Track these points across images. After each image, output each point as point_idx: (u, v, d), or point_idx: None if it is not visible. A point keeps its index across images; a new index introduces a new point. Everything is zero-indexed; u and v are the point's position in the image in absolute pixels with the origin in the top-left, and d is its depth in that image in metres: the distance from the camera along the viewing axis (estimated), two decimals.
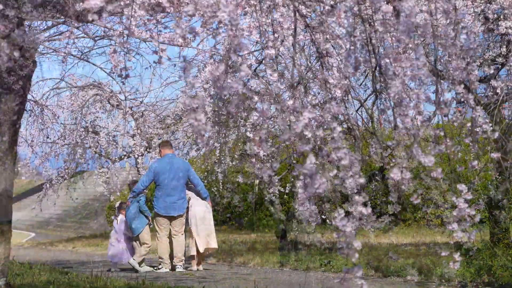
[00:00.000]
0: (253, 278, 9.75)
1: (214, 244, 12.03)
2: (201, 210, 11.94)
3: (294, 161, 15.63)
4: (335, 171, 3.16)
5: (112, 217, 13.13)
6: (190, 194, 12.01)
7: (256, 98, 3.25)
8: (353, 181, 3.23)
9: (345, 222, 3.26)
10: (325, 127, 3.31)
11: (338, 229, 3.27)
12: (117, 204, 13.42)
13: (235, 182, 23.38)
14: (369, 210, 3.38)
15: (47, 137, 17.35)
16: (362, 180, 3.25)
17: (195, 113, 2.85)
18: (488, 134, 4.05)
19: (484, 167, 11.59)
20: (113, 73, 5.20)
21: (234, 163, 15.49)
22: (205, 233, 11.89)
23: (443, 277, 9.28)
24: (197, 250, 11.90)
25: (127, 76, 4.59)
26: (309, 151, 3.02)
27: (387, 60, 3.70)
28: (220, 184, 16.50)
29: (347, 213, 3.32)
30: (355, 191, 3.35)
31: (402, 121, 3.69)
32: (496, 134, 4.03)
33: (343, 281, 3.34)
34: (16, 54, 3.45)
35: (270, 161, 14.24)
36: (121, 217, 12.66)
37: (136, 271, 11.79)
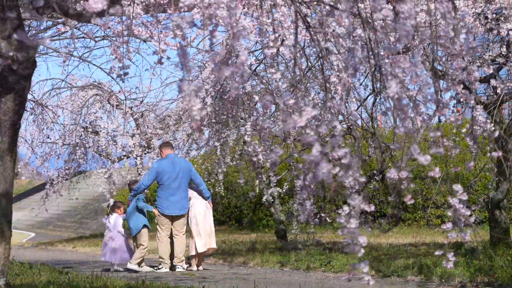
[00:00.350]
0: (253, 278, 9.75)
1: (213, 244, 12.04)
2: (201, 210, 11.95)
3: (293, 161, 15.63)
4: (337, 168, 3.17)
5: (105, 216, 13.05)
6: (190, 193, 12.02)
7: (256, 98, 3.26)
8: (352, 181, 3.24)
9: (349, 218, 3.27)
10: (325, 126, 3.31)
11: (342, 226, 3.28)
12: (110, 203, 13.36)
13: (236, 183, 23.41)
14: (372, 207, 3.39)
15: (48, 137, 17.36)
16: (362, 179, 3.26)
17: (190, 97, 2.85)
18: (489, 134, 4.05)
19: (483, 167, 11.58)
20: (112, 73, 5.19)
21: (234, 163, 15.51)
22: (206, 234, 11.91)
23: (443, 277, 9.28)
24: (196, 250, 11.91)
25: (125, 74, 4.59)
26: (315, 141, 3.02)
27: (386, 61, 3.70)
28: (222, 184, 16.51)
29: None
30: (354, 190, 3.35)
31: (402, 123, 3.70)
32: (497, 133, 4.03)
33: (350, 277, 3.34)
34: (19, 55, 3.46)
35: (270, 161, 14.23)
36: (115, 215, 12.59)
37: (137, 271, 11.78)
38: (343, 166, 3.15)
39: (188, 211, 11.95)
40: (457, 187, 3.81)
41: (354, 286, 8.61)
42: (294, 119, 3.01)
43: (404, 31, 3.48)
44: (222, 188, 17.42)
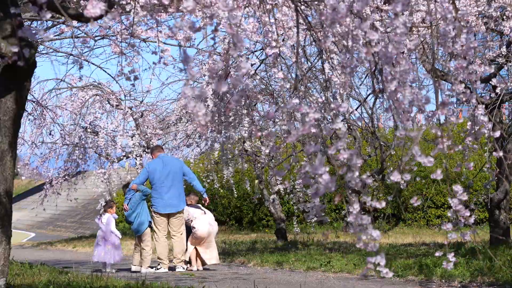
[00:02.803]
0: (253, 278, 9.75)
1: (214, 261, 11.97)
2: (205, 231, 11.87)
3: (297, 160, 15.58)
4: (345, 169, 3.17)
5: (97, 216, 12.96)
6: (192, 212, 11.97)
7: (260, 97, 3.25)
8: (360, 181, 3.23)
9: (360, 215, 3.29)
10: (328, 128, 3.30)
11: (353, 224, 3.29)
12: (102, 203, 13.23)
13: (236, 183, 23.41)
14: (383, 203, 3.39)
15: (49, 134, 17.36)
16: (369, 181, 3.26)
17: (195, 102, 2.85)
18: (489, 134, 4.05)
19: (482, 166, 11.58)
20: (119, 76, 5.19)
21: (234, 161, 15.51)
22: (204, 246, 11.91)
23: (443, 277, 9.28)
24: (197, 251, 11.92)
25: (136, 78, 4.62)
26: (318, 151, 3.03)
27: (386, 67, 3.70)
28: (233, 184, 16.52)
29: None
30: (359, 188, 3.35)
31: (403, 122, 3.70)
32: (497, 134, 4.03)
33: (366, 272, 3.35)
34: (26, 52, 3.45)
35: (271, 160, 14.20)
36: (107, 215, 12.50)
37: (153, 268, 11.85)
38: (349, 167, 3.15)
39: (190, 222, 11.94)
40: (457, 187, 3.81)
41: (354, 285, 8.61)
42: (297, 129, 3.01)
43: (403, 28, 3.47)
44: (235, 191, 17.46)
